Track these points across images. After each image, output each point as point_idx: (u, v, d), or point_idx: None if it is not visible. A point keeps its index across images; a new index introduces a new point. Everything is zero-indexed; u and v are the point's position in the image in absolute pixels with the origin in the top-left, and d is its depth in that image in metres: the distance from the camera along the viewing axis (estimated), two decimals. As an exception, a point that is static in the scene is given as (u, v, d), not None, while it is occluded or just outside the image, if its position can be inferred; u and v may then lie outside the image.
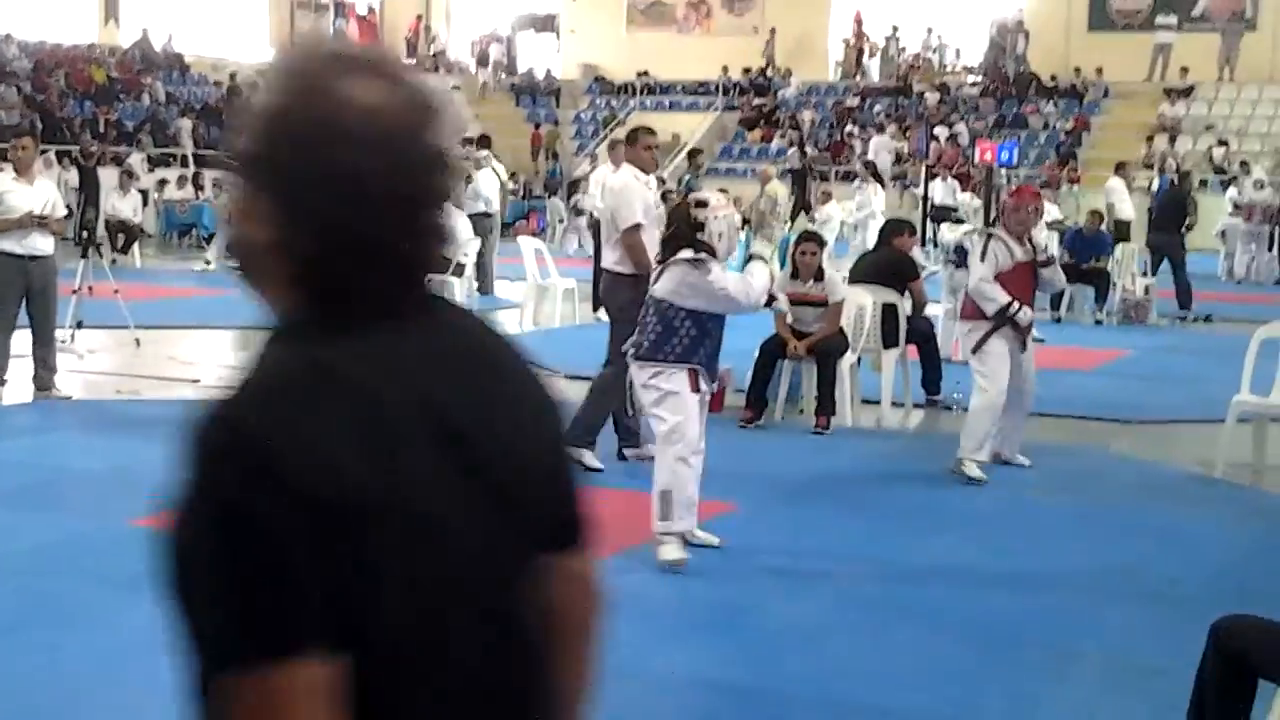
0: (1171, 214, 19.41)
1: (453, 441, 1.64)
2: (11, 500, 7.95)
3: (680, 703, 5.36)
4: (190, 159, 30.51)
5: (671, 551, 6.85)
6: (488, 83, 42.77)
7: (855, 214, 23.69)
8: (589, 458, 8.79)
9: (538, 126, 40.46)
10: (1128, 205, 22.56)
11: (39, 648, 5.60)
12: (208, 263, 21.37)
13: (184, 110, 32.27)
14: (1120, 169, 24.19)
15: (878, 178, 25.44)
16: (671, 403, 6.90)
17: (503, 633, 1.69)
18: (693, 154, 29.84)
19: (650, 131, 9.50)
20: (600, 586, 1.92)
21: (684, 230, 6.99)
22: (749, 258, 7.31)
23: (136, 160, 27.69)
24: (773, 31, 41.05)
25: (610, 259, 8.99)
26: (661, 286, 7.00)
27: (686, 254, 6.92)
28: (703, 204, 7.08)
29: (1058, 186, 25.16)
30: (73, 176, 25.58)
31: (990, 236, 9.17)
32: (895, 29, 41.55)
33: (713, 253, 6.92)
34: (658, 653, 5.76)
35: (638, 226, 8.75)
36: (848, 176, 34.17)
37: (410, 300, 1.69)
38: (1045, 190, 23.60)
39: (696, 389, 6.94)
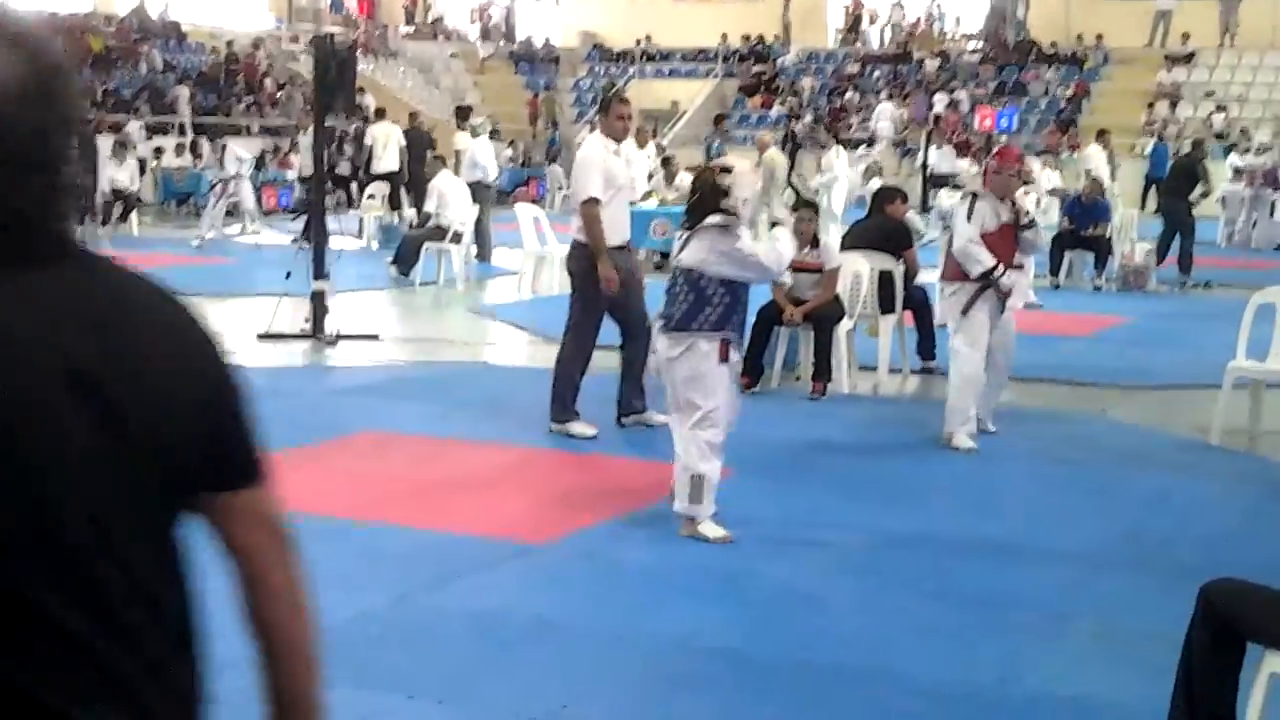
0: (1183, 181, 19.37)
1: (73, 378, 1.72)
2: None
3: (674, 668, 5.36)
4: (188, 127, 30.43)
5: (713, 529, 6.81)
6: (488, 53, 42.61)
7: (818, 179, 23.63)
8: (578, 427, 8.89)
9: (535, 95, 40.38)
10: (1105, 173, 22.50)
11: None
12: (201, 240, 21.29)
13: (181, 78, 32.16)
14: (1101, 136, 24.21)
15: (841, 142, 25.39)
16: (704, 386, 6.81)
17: (72, 564, 1.73)
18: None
19: (623, 100, 9.39)
20: (280, 522, 2.01)
21: (709, 197, 6.88)
22: (772, 224, 7.25)
23: (134, 128, 27.61)
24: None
25: (574, 226, 9.10)
26: (690, 255, 6.88)
27: (715, 219, 6.82)
28: (727, 170, 6.96)
29: (1057, 153, 25.05)
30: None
31: (975, 197, 9.09)
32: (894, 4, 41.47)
33: (736, 219, 6.83)
34: (652, 617, 5.78)
35: (593, 201, 8.78)
36: (846, 144, 34.13)
37: (39, 251, 1.75)
38: (1045, 157, 23.58)
39: (726, 358, 6.88)
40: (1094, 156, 23.04)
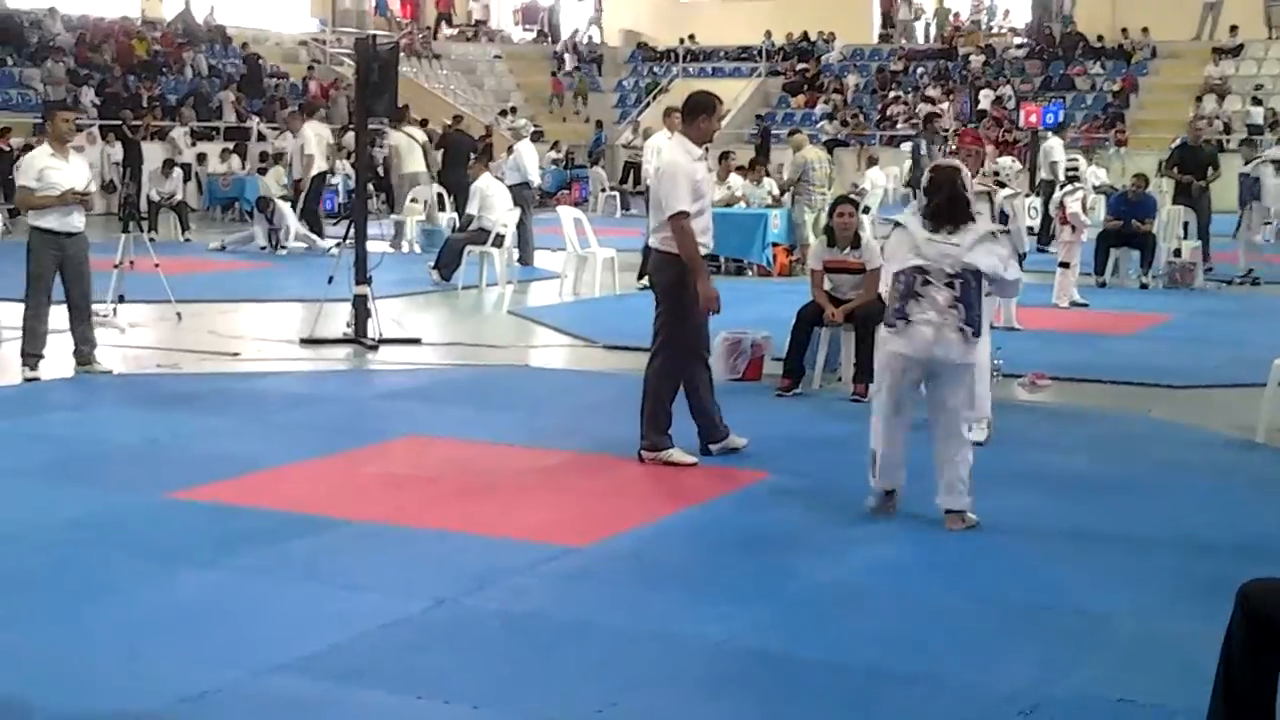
0: (1192, 174, 19.30)
1: None
2: (50, 473, 8.02)
3: (713, 670, 5.36)
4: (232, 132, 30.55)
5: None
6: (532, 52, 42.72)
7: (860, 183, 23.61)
8: (678, 455, 8.30)
9: (554, 74, 40.54)
10: (1063, 165, 22.35)
11: (72, 619, 5.65)
12: (222, 247, 21.35)
13: (226, 83, 32.34)
14: (1059, 130, 24.21)
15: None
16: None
17: None
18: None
19: (714, 103, 8.49)
20: None
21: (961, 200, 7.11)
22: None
23: (180, 135, 27.75)
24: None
25: (657, 238, 8.45)
26: (984, 259, 7.00)
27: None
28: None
29: (1092, 150, 25.08)
30: (117, 151, 25.75)
31: None
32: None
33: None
34: (691, 620, 5.77)
35: (683, 214, 8.13)
36: (891, 141, 34.03)
37: None
38: (1088, 152, 23.48)
39: None
40: (1055, 149, 22.95)
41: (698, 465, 8.29)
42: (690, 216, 8.12)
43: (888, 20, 41.86)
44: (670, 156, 8.43)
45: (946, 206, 7.02)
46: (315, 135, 21.66)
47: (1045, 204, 20.06)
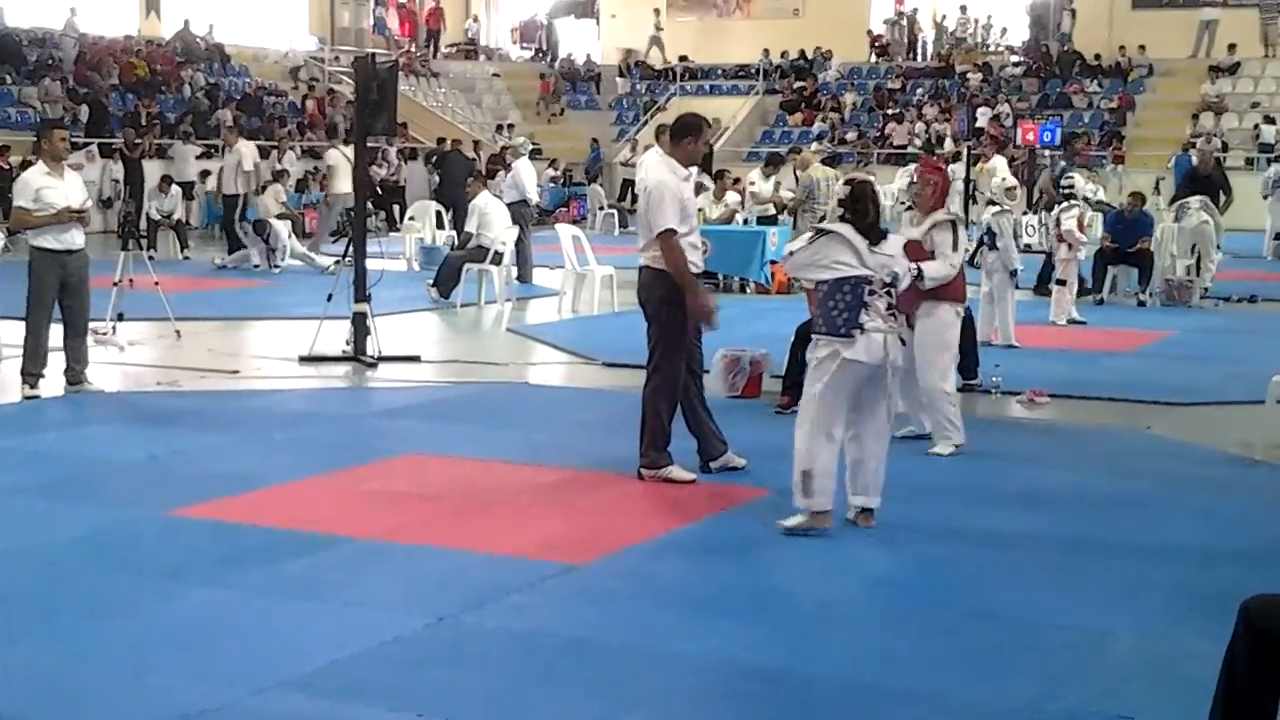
0: (1210, 195, 19.31)
1: None
2: (49, 491, 8.02)
3: (715, 687, 5.36)
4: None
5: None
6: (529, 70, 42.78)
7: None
8: (677, 472, 8.35)
9: (542, 76, 40.77)
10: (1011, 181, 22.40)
11: (72, 636, 5.65)
12: (222, 265, 21.34)
13: (225, 101, 32.37)
14: (1002, 148, 24.31)
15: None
16: None
17: None
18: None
19: (701, 125, 8.61)
20: None
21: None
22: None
23: (189, 152, 27.78)
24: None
25: (645, 256, 8.45)
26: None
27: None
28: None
29: (1089, 166, 25.07)
30: (117, 169, 25.76)
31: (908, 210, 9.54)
32: (942, 16, 41.49)
33: None
34: (693, 637, 5.77)
35: (671, 232, 8.21)
36: (890, 159, 34.07)
37: None
38: (1084, 171, 23.49)
39: None
40: (1001, 167, 23.03)
41: (697, 482, 8.30)
42: (679, 235, 8.18)
43: (876, 40, 41.90)
44: (658, 176, 8.40)
45: (875, 221, 7.33)
46: (250, 153, 22.29)
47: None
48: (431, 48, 42.33)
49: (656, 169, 8.51)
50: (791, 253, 7.60)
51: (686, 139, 8.44)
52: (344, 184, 21.88)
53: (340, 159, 22.02)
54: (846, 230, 7.24)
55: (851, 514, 7.38)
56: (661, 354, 8.35)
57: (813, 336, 7.45)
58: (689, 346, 8.44)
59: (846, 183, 7.61)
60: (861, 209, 7.30)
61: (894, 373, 7.29)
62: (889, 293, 7.22)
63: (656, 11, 43.08)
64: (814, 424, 7.24)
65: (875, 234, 7.27)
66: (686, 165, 8.44)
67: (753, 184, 19.85)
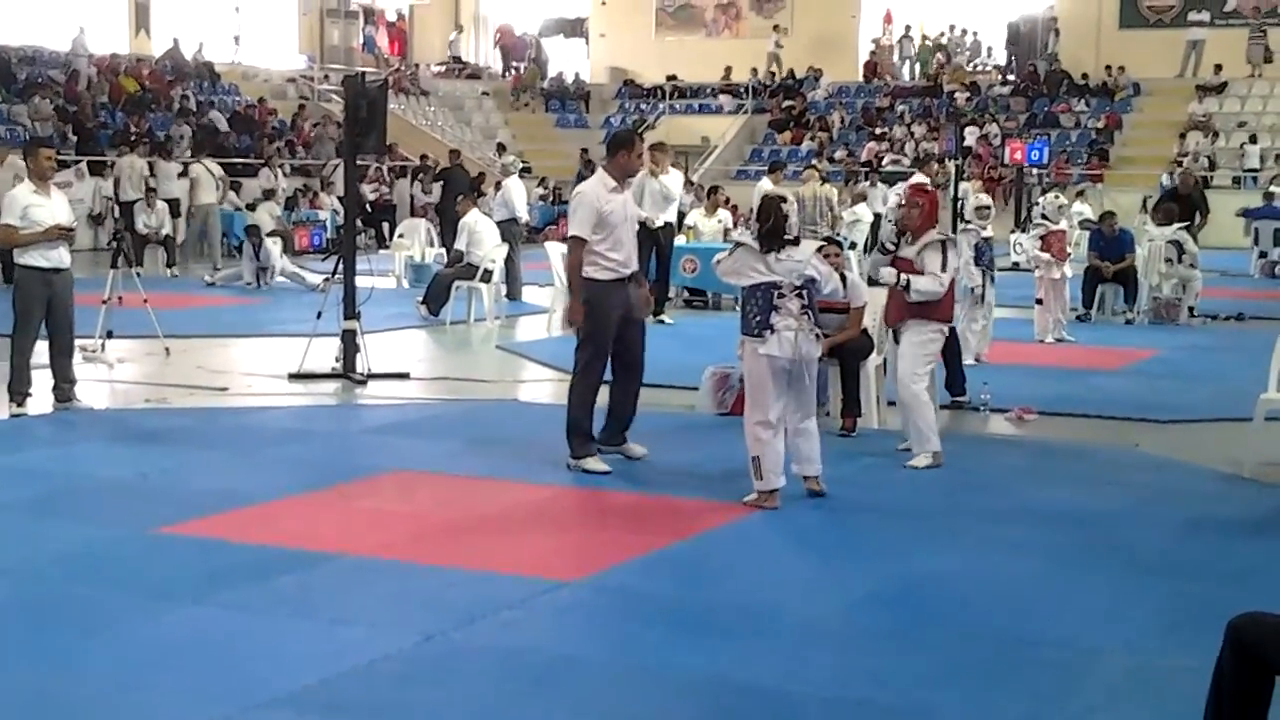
0: (1188, 215, 19.43)
1: None
2: (36, 508, 8.00)
3: (704, 705, 5.36)
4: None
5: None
6: (521, 89, 42.79)
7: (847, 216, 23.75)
8: (592, 464, 8.97)
9: (518, 71, 40.92)
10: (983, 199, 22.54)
11: (59, 654, 5.63)
12: (212, 282, 21.30)
13: (199, 119, 32.33)
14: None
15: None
16: None
17: None
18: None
19: (634, 140, 9.34)
20: None
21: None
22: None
23: (171, 169, 27.72)
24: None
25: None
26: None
27: None
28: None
29: (1065, 185, 25.24)
30: (107, 186, 25.72)
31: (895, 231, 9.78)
32: (930, 37, 41.62)
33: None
34: (681, 654, 5.77)
35: (576, 239, 8.93)
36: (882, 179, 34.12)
37: None
38: (1068, 190, 23.60)
39: None
40: (973, 189, 23.18)
41: (610, 473, 8.90)
42: (587, 243, 8.84)
43: (870, 59, 42.01)
44: (583, 187, 9.18)
45: (772, 229, 8.07)
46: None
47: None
48: (429, 65, 42.59)
49: (588, 182, 9.29)
50: (718, 261, 8.46)
51: (620, 153, 9.17)
52: (204, 196, 23.89)
53: (203, 171, 23.77)
54: (754, 242, 8.11)
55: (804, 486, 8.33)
56: (581, 352, 9.10)
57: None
58: (629, 344, 9.16)
59: (762, 199, 8.36)
60: (762, 220, 8.12)
61: (814, 364, 8.23)
62: (801, 294, 8.08)
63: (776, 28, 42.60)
64: (749, 414, 8.18)
65: (776, 242, 8.05)
66: (621, 178, 9.11)
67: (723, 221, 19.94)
